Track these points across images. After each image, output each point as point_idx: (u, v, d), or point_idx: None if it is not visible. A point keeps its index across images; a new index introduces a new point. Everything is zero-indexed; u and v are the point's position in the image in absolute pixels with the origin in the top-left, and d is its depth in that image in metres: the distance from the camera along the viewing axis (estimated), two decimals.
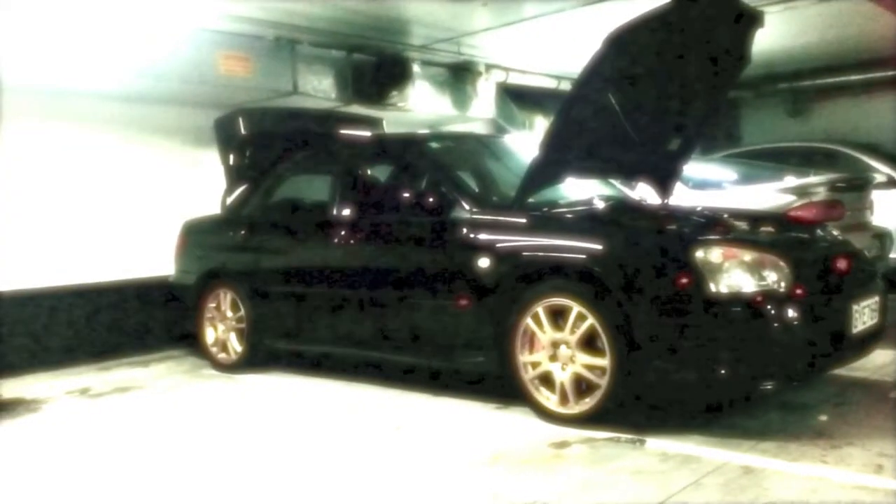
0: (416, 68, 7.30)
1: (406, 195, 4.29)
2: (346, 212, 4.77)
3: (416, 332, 4.33)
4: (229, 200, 5.66)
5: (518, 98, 8.64)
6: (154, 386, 5.10)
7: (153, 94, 6.14)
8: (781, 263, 3.42)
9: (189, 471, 3.41)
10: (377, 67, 6.97)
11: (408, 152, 4.91)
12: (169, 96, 6.25)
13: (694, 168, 5.85)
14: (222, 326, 5.40)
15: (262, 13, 5.80)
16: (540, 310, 3.73)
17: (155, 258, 6.04)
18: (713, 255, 3.39)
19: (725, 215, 4.10)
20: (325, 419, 4.14)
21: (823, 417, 3.68)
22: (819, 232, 4.20)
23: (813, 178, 5.78)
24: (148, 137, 6.42)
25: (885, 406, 3.82)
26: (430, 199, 4.21)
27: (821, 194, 5.47)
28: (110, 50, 5.36)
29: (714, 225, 3.90)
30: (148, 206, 6.31)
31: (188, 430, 4.05)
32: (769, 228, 4.00)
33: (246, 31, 6.09)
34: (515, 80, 8.38)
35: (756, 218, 4.14)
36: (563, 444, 3.44)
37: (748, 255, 3.41)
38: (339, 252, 4.71)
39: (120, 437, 3.99)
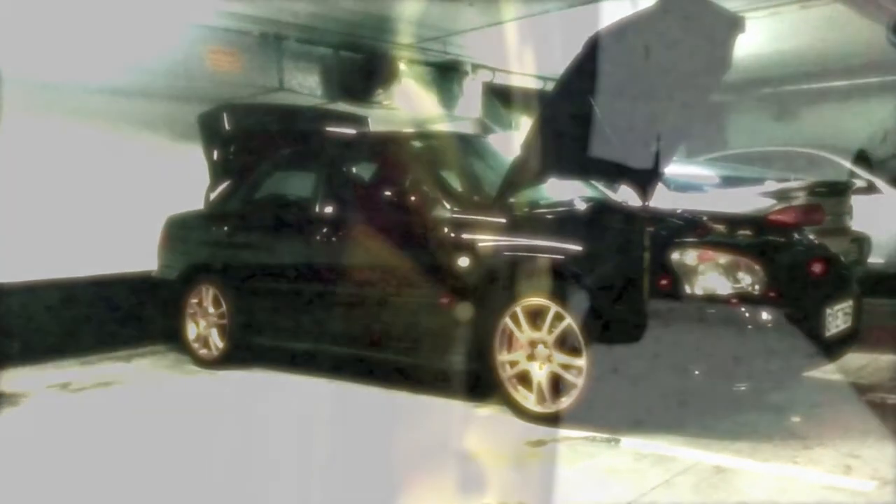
0: (402, 67, 7.31)
1: (388, 193, 4.31)
2: (329, 209, 4.79)
3: (398, 330, 4.36)
4: (212, 196, 5.66)
5: (505, 98, 8.65)
6: (135, 381, 5.10)
7: (139, 89, 6.12)
8: (756, 266, 3.47)
9: (162, 464, 3.41)
10: (363, 65, 6.98)
11: (391, 150, 4.94)
12: (155, 90, 6.23)
13: (676, 170, 5.88)
14: (204, 322, 5.39)
15: (250, 9, 5.79)
16: (518, 309, 3.75)
17: (139, 253, 6.02)
18: (689, 257, 3.44)
19: (704, 218, 4.13)
20: (302, 415, 4.15)
21: (796, 419, 3.73)
22: (796, 236, 4.25)
23: (793, 183, 5.82)
24: (133, 132, 6.39)
25: (857, 408, 3.87)
26: (412, 198, 4.23)
27: (801, 198, 5.52)
28: (98, 44, 5.33)
29: (692, 227, 3.93)
30: (132, 200, 6.28)
31: (164, 424, 4.06)
32: (747, 232, 4.03)
33: (233, 26, 6.07)
34: (502, 80, 8.39)
35: (735, 221, 4.18)
36: (539, 443, 3.47)
37: (723, 258, 3.46)
38: (322, 249, 4.72)
39: (98, 431, 3.99)
